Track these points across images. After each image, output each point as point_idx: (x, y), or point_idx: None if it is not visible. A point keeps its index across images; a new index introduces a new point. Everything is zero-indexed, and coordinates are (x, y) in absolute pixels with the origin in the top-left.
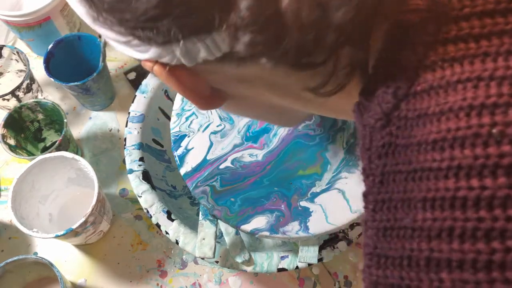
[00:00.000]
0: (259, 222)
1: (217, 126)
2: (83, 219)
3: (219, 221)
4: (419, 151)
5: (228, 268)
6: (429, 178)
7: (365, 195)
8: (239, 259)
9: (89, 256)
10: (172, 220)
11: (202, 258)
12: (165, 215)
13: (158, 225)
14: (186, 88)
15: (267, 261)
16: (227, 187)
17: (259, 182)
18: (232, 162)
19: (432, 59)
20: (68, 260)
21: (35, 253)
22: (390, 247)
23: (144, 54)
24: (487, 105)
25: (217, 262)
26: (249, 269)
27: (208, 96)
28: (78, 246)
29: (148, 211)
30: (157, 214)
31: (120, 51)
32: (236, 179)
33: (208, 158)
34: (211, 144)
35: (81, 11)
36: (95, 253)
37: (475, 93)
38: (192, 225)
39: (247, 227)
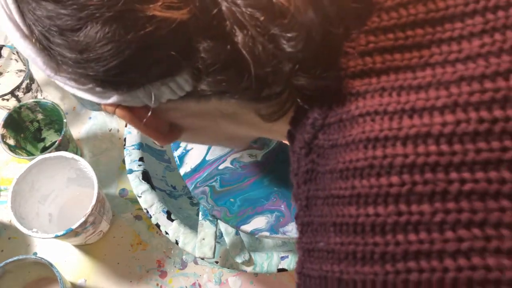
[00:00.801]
0: (259, 222)
1: None
2: (83, 219)
3: (219, 221)
4: (331, 179)
5: (228, 268)
6: (338, 204)
7: (296, 218)
8: (239, 259)
9: (89, 256)
10: (172, 220)
11: (202, 258)
12: (165, 215)
13: (158, 225)
14: (149, 127)
15: (267, 261)
16: (227, 188)
17: (258, 182)
18: (231, 163)
19: (343, 92)
20: (68, 260)
21: (35, 253)
22: (312, 268)
23: (107, 100)
24: (380, 138)
25: (217, 262)
26: (249, 269)
27: (166, 132)
28: (78, 246)
29: (148, 211)
30: (157, 214)
31: (81, 96)
32: (236, 180)
33: (207, 158)
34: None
35: (40, 62)
36: (95, 253)
37: (372, 126)
38: (192, 225)
39: (247, 227)
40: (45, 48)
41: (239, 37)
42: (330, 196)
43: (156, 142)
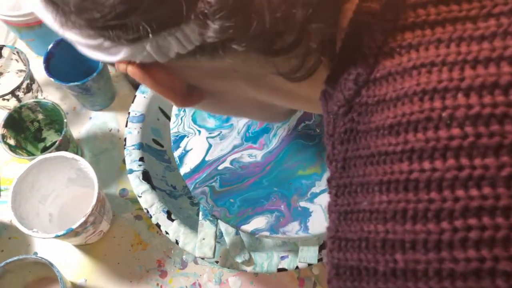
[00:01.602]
0: (258, 222)
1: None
2: (83, 219)
3: (219, 221)
4: (377, 136)
5: (228, 268)
6: (385, 162)
7: (329, 181)
8: (239, 259)
9: (89, 256)
10: (172, 220)
11: (202, 258)
12: (165, 215)
13: (158, 225)
14: (162, 86)
15: (267, 261)
16: (226, 188)
17: (258, 182)
18: (231, 163)
19: (391, 45)
20: (68, 260)
21: (35, 253)
22: (350, 230)
23: (117, 56)
24: (439, 90)
25: (217, 262)
26: (249, 269)
27: (185, 94)
28: (78, 246)
29: (148, 211)
30: (157, 214)
31: (93, 57)
32: (235, 180)
33: (206, 159)
34: (210, 145)
35: (49, 19)
36: (95, 253)
37: (428, 78)
38: (192, 225)
39: (248, 227)
40: (56, 5)
41: None
42: (376, 154)
43: (173, 104)
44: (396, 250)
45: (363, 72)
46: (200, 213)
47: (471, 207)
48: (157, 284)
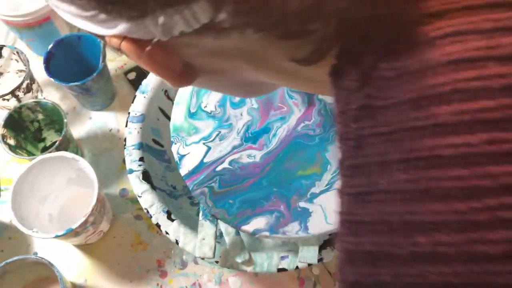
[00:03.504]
0: (258, 223)
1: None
2: (83, 219)
3: (219, 221)
4: (400, 111)
5: (228, 268)
6: (410, 138)
7: (341, 162)
8: (239, 259)
9: (89, 256)
10: (172, 220)
11: (202, 258)
12: (165, 215)
13: (158, 225)
14: (159, 65)
15: (267, 261)
16: (226, 189)
17: (258, 183)
18: (230, 163)
19: (412, 15)
20: (68, 260)
21: (35, 253)
22: (365, 213)
23: (111, 29)
24: (472, 59)
25: (217, 262)
26: (249, 269)
27: (180, 72)
28: (78, 246)
29: (148, 211)
30: (157, 214)
31: (83, 28)
32: (235, 181)
33: (204, 161)
34: (209, 148)
35: None
36: (95, 253)
37: (458, 47)
38: (192, 225)
39: (248, 227)
40: None
41: None
42: (399, 130)
43: (169, 83)
44: (418, 231)
45: (380, 43)
46: (200, 213)
47: (508, 184)
48: (157, 284)
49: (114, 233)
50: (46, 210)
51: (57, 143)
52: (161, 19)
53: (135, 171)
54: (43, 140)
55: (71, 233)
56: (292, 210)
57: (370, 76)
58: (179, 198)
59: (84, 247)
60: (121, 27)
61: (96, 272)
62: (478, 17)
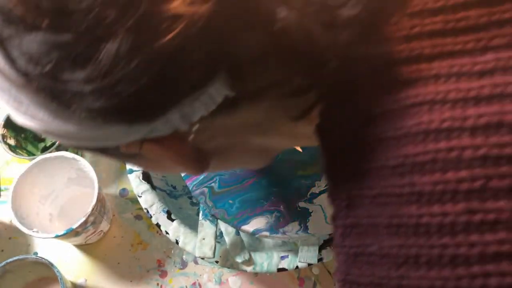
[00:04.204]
0: (258, 222)
1: None
2: (83, 219)
3: (219, 221)
4: (382, 176)
5: (228, 268)
6: (393, 204)
7: (334, 219)
8: (239, 259)
9: (89, 256)
10: (172, 220)
11: (202, 258)
12: (165, 215)
13: (158, 225)
14: (182, 156)
15: (267, 261)
16: (225, 189)
17: (257, 183)
18: None
19: (388, 80)
20: (68, 260)
21: (35, 253)
22: (361, 274)
23: (133, 136)
24: (442, 130)
25: (217, 262)
26: (249, 269)
27: (196, 159)
28: (78, 246)
29: (148, 211)
30: (157, 214)
31: (98, 147)
32: (235, 181)
33: None
34: None
35: (45, 116)
36: (95, 253)
37: (430, 117)
38: (192, 225)
39: (248, 227)
40: (50, 92)
41: (282, 13)
42: (382, 195)
43: (188, 172)
44: None
45: (361, 107)
46: (200, 213)
47: (488, 252)
48: (157, 284)
49: (114, 233)
50: (46, 210)
51: (57, 143)
52: (181, 111)
53: (135, 171)
54: (43, 140)
55: (71, 233)
56: (292, 210)
57: (355, 138)
58: (179, 198)
59: (84, 247)
60: (142, 131)
61: (96, 272)
62: (447, 86)
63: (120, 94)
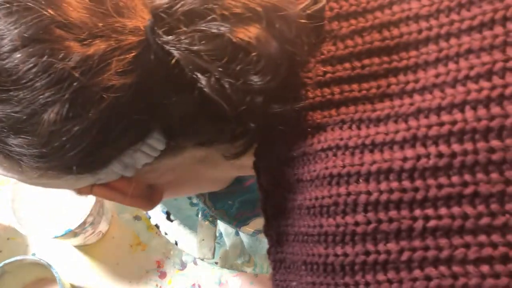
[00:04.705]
0: (258, 223)
1: None
2: (82, 219)
3: (219, 221)
4: (300, 215)
5: (228, 269)
6: (308, 242)
7: (268, 253)
8: (239, 260)
9: (88, 256)
10: (172, 221)
11: (202, 259)
12: (165, 216)
13: (157, 226)
14: (133, 197)
15: (267, 262)
16: (225, 189)
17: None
18: None
19: (304, 125)
20: (66, 261)
21: (34, 254)
22: None
23: (81, 184)
24: (343, 175)
25: (216, 263)
26: (249, 270)
27: (148, 195)
28: (77, 247)
29: (147, 212)
30: (156, 214)
31: (53, 188)
32: (234, 182)
33: None
34: None
35: (2, 170)
36: (94, 254)
37: (334, 162)
38: (192, 225)
39: (248, 228)
40: (2, 153)
41: (203, 81)
42: (300, 233)
43: (141, 209)
44: None
45: (283, 149)
46: (200, 214)
47: None
48: (157, 285)
49: (113, 234)
50: (45, 211)
51: None
52: (123, 162)
53: None
54: None
55: (70, 234)
56: None
57: (279, 178)
58: (178, 198)
59: (83, 248)
60: (89, 180)
61: (94, 273)
62: (349, 132)
63: (61, 157)
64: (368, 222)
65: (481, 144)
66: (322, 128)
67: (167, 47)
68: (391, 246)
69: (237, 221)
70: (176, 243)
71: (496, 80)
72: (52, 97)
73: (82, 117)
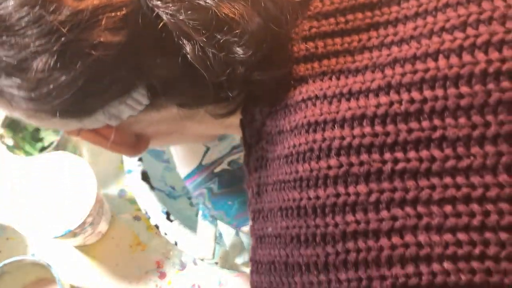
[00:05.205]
0: None
1: None
2: (82, 219)
3: (219, 222)
4: (279, 165)
5: (228, 269)
6: (284, 189)
7: (248, 206)
8: (238, 260)
9: (87, 257)
10: (171, 221)
11: (202, 260)
12: (164, 216)
13: (157, 226)
14: (115, 144)
15: None
16: (225, 190)
17: None
18: (229, 164)
19: (287, 79)
20: (66, 261)
21: (33, 254)
22: (263, 254)
23: (68, 127)
24: (320, 122)
25: (216, 263)
26: (249, 270)
27: (134, 144)
28: (77, 247)
29: (147, 212)
30: (156, 215)
31: (41, 126)
32: (234, 182)
33: (203, 163)
34: (208, 148)
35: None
36: (93, 254)
37: (313, 111)
38: (191, 225)
39: (248, 228)
40: None
41: (188, 48)
42: (278, 182)
43: (126, 155)
44: (295, 272)
45: (266, 103)
46: (200, 214)
47: (348, 231)
48: (156, 286)
49: (112, 234)
50: (44, 211)
51: (55, 143)
52: (109, 112)
53: (135, 171)
54: (41, 140)
55: (69, 234)
56: None
57: (261, 131)
58: (178, 198)
59: (82, 248)
60: (76, 124)
61: (94, 273)
62: (329, 82)
63: (48, 103)
64: (340, 166)
65: (451, 90)
66: (304, 80)
67: (157, 10)
68: (361, 188)
69: (237, 221)
70: (176, 244)
71: (470, 31)
72: (42, 47)
73: (69, 69)
